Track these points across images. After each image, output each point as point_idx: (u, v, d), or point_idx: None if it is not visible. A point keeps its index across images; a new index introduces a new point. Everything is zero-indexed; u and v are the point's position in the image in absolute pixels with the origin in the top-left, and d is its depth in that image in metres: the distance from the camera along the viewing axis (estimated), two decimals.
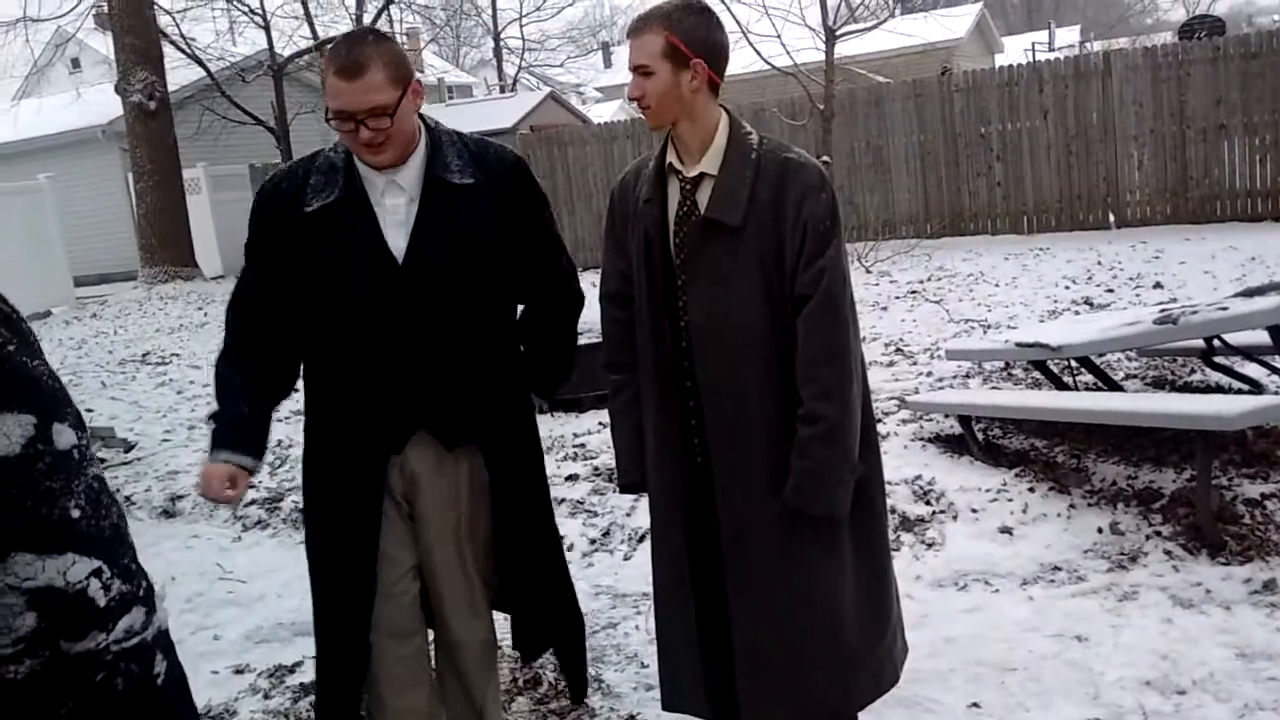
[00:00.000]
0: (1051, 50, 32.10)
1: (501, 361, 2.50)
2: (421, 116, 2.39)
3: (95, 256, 20.05)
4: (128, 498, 5.84)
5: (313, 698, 3.36)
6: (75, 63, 29.20)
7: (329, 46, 2.36)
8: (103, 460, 6.54)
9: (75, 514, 0.90)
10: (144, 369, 10.01)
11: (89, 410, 8.15)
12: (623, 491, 2.63)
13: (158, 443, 6.96)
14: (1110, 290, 8.35)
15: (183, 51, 17.99)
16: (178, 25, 18.43)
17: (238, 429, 2.40)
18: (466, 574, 2.53)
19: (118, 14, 16.32)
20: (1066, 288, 8.71)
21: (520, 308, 2.64)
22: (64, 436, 0.92)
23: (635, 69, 2.28)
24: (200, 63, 18.17)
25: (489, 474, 2.49)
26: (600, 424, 6.10)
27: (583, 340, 6.53)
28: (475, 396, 2.43)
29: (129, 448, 6.82)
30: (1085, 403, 4.61)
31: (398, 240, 2.33)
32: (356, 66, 2.19)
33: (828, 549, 2.37)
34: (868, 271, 10.44)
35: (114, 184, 20.69)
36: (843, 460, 2.29)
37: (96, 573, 0.90)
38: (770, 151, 2.33)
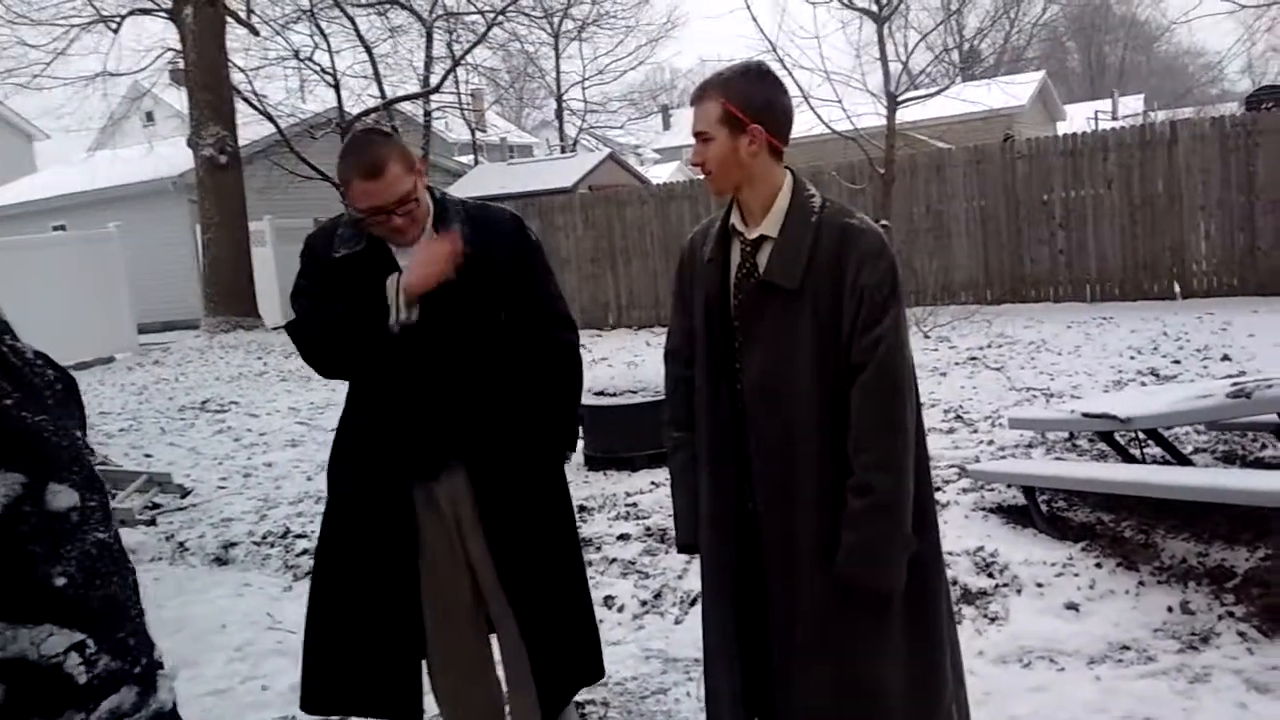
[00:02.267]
0: (1115, 119, 31.90)
1: (516, 400, 2.75)
2: (431, 193, 2.72)
3: (160, 304, 20.49)
4: (181, 544, 5.87)
5: None
6: (149, 116, 30.10)
7: (342, 151, 2.62)
8: (158, 505, 6.60)
9: (60, 582, 0.84)
10: (203, 416, 10.15)
11: (147, 455, 8.26)
12: (680, 551, 2.59)
13: (213, 489, 7.01)
14: (1177, 362, 8.17)
15: (254, 108, 18.48)
16: (250, 82, 18.97)
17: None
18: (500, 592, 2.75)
19: (193, 70, 16.84)
20: (1131, 358, 8.54)
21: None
22: (60, 498, 0.86)
23: (695, 135, 2.32)
24: (271, 119, 18.64)
25: (505, 500, 2.71)
26: (653, 483, 6.05)
27: (637, 399, 6.57)
28: (495, 430, 2.70)
29: (185, 493, 6.89)
30: (1155, 476, 4.47)
31: None
32: (378, 167, 2.51)
33: (877, 628, 2.28)
34: (926, 337, 10.33)
35: (182, 234, 21.21)
36: (895, 534, 2.22)
37: (78, 647, 0.84)
38: (832, 215, 2.31)
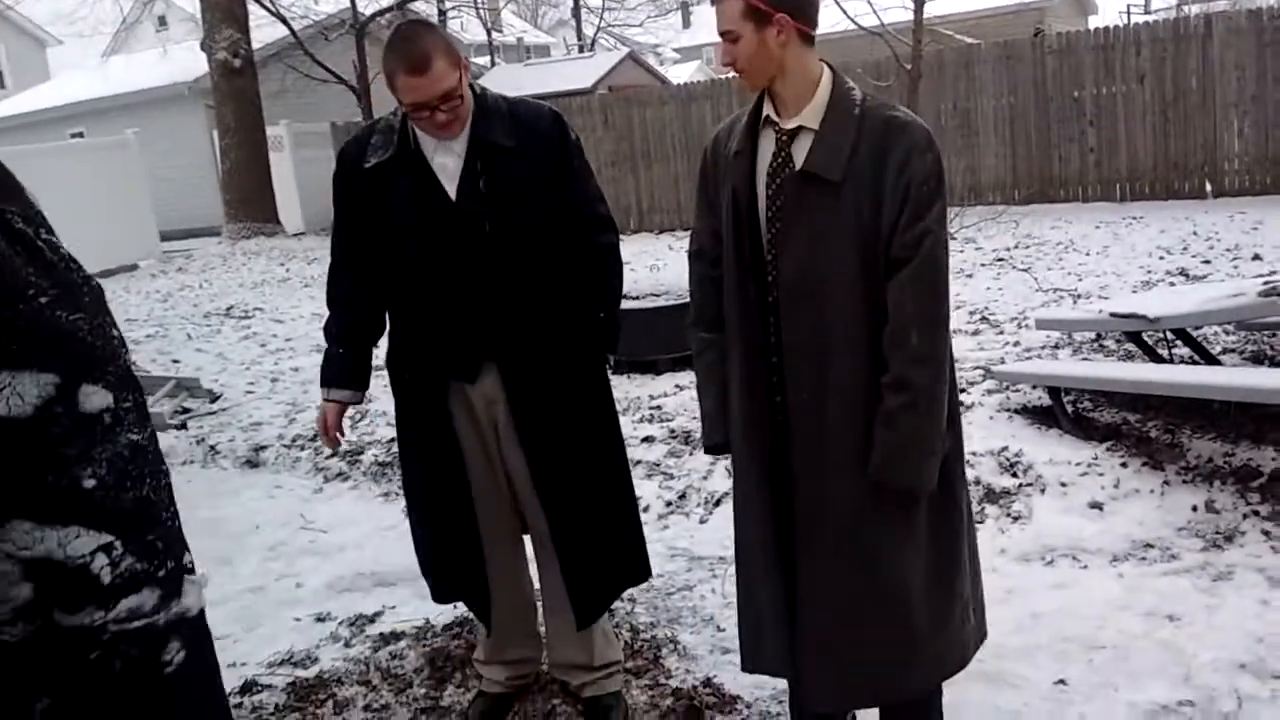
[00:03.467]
0: (1148, 13, 30.95)
1: (555, 303, 2.71)
2: (471, 88, 2.62)
3: (180, 212, 20.46)
4: (212, 447, 5.96)
5: (391, 647, 3.42)
6: (162, 20, 29.72)
7: (387, 44, 2.54)
8: (188, 410, 6.69)
9: (89, 484, 0.84)
10: (228, 322, 10.22)
11: (175, 361, 8.34)
12: (707, 452, 2.57)
13: (242, 394, 7.09)
14: (1207, 262, 8.06)
15: (267, 9, 18.15)
16: None
17: (333, 366, 2.83)
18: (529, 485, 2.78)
19: None
20: (1161, 258, 8.44)
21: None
22: (94, 399, 0.85)
23: (722, 35, 2.24)
24: (284, 21, 18.32)
25: (542, 404, 2.71)
26: (676, 386, 6.07)
27: (660, 303, 6.56)
28: (532, 331, 2.67)
29: (214, 398, 6.97)
30: (1183, 376, 4.45)
31: (450, 189, 2.61)
32: (424, 61, 2.44)
33: (903, 526, 2.29)
34: (952, 238, 10.17)
35: (199, 141, 21.08)
36: (933, 431, 2.20)
37: (106, 548, 0.84)
38: (874, 108, 2.25)
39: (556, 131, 2.71)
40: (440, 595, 2.98)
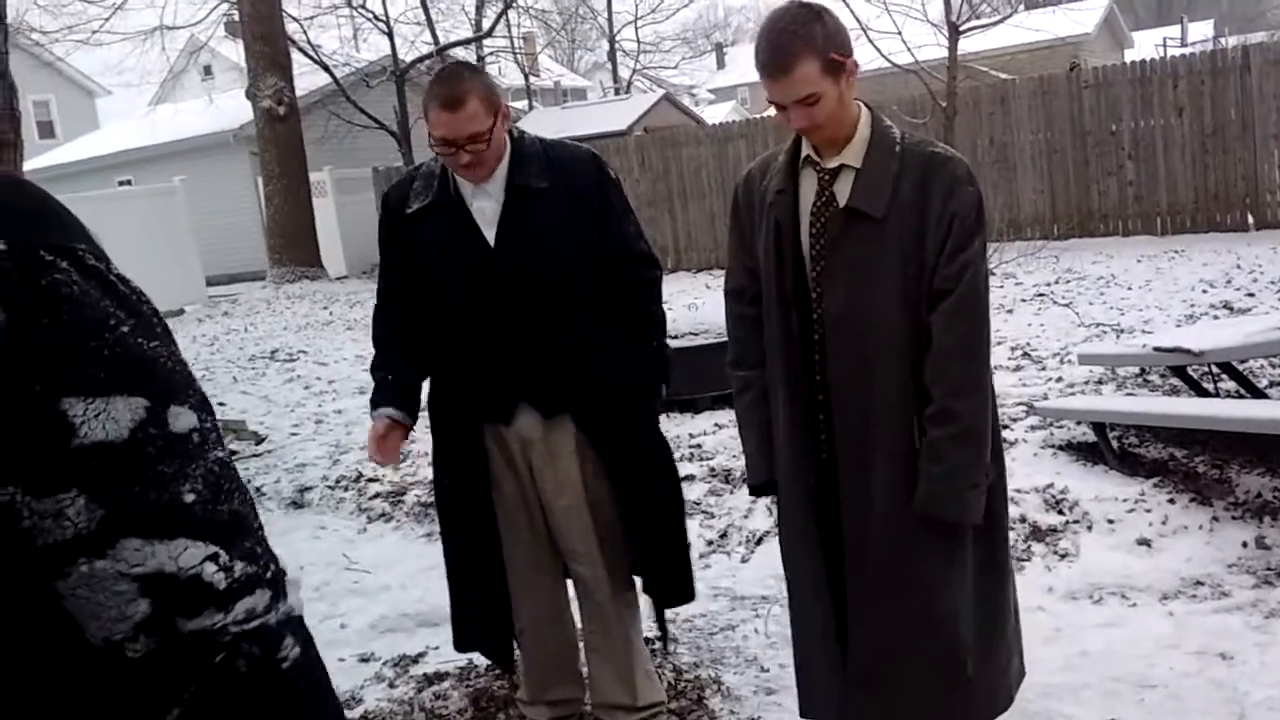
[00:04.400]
0: (1184, 45, 30.86)
1: (591, 340, 2.72)
2: (509, 133, 2.68)
3: (226, 257, 20.81)
4: (258, 489, 6.03)
5: (435, 688, 3.43)
6: (208, 70, 30.43)
7: (430, 81, 2.63)
8: (234, 452, 6.77)
9: (189, 498, 0.88)
10: (273, 365, 10.35)
11: (221, 404, 8.45)
12: (753, 494, 2.59)
13: (286, 436, 7.18)
14: (1250, 294, 7.97)
15: (310, 58, 18.57)
16: (305, 32, 19.07)
17: (381, 391, 2.81)
18: (580, 523, 2.80)
19: (248, 22, 16.94)
20: (1204, 291, 8.35)
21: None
22: (181, 420, 0.90)
23: (800, 102, 2.18)
24: (327, 69, 18.72)
25: (593, 443, 2.74)
26: (716, 425, 6.07)
27: (699, 341, 6.58)
28: (568, 371, 2.69)
29: (259, 440, 7.05)
30: (1230, 410, 4.40)
31: (489, 233, 2.65)
32: (457, 100, 2.50)
33: (950, 562, 2.29)
34: (992, 274, 10.12)
35: (244, 187, 21.46)
36: (978, 462, 2.21)
37: (212, 557, 0.88)
38: (914, 145, 2.28)
39: (594, 170, 2.75)
40: (460, 643, 3.01)
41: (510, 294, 2.64)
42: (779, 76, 2.17)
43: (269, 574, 0.94)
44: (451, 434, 2.80)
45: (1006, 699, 2.44)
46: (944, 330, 2.20)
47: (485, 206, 2.66)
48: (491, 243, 2.64)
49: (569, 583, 2.98)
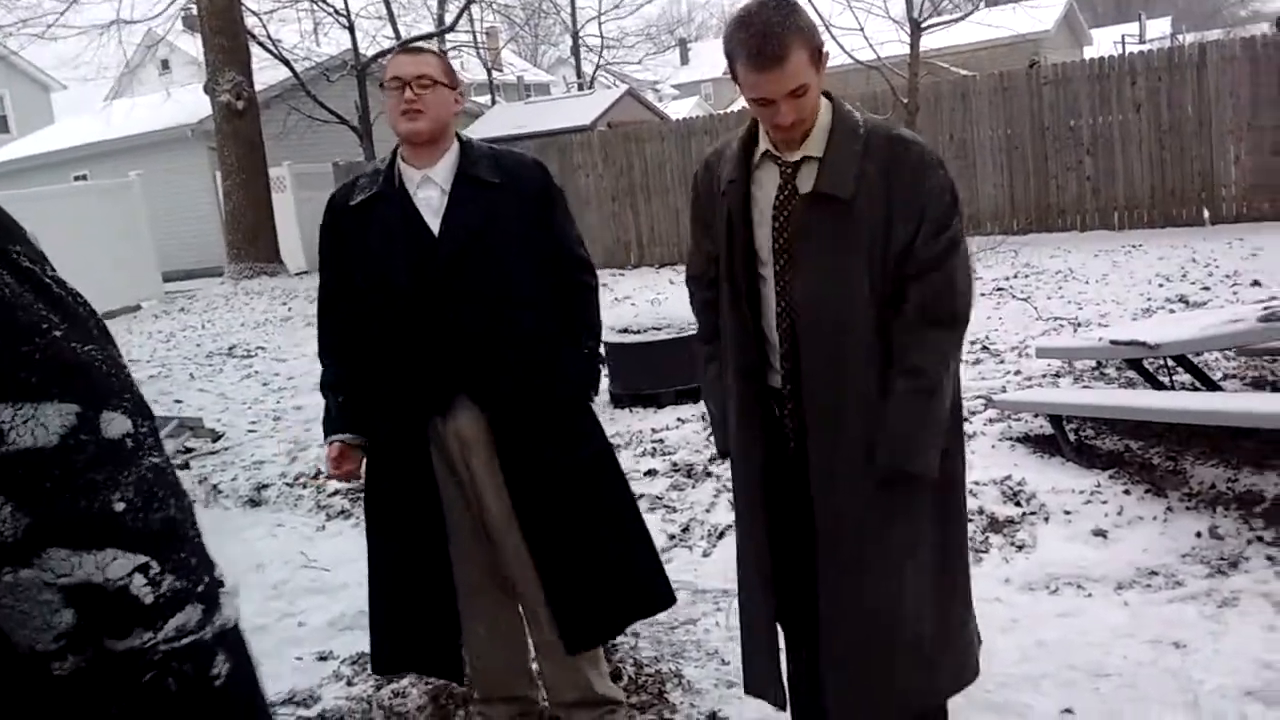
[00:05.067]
0: (1142, 42, 31.24)
1: (532, 337, 2.72)
2: (458, 135, 2.78)
3: (184, 253, 20.57)
4: (214, 486, 5.96)
5: (393, 685, 3.40)
6: (165, 64, 30.02)
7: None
8: (190, 450, 6.69)
9: (119, 507, 0.86)
10: (230, 362, 10.24)
11: (178, 401, 8.35)
12: (723, 459, 2.63)
13: (244, 433, 7.10)
14: (1206, 288, 8.08)
15: (270, 52, 18.37)
16: (264, 26, 18.84)
17: (334, 414, 2.82)
18: (513, 538, 2.73)
19: (206, 16, 16.73)
20: (1160, 285, 8.46)
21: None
22: (114, 425, 0.88)
23: (790, 94, 2.13)
24: (286, 63, 18.52)
25: (527, 442, 2.69)
26: (678, 419, 6.07)
27: (661, 336, 6.56)
28: (510, 364, 2.67)
29: (216, 438, 6.97)
30: (1184, 403, 4.45)
31: (433, 222, 2.66)
32: (419, 50, 2.80)
33: (916, 539, 2.32)
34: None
35: (202, 182, 21.22)
36: (937, 418, 2.24)
37: (142, 569, 0.86)
38: (877, 128, 2.27)
39: (540, 176, 2.80)
40: (391, 665, 2.91)
41: (453, 279, 2.63)
42: (771, 68, 2.09)
43: (201, 587, 0.92)
44: (392, 430, 2.75)
45: (974, 669, 2.49)
46: (925, 299, 2.21)
47: (430, 196, 2.68)
48: (435, 230, 2.65)
49: None
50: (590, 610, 2.78)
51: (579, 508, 2.75)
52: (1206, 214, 11.69)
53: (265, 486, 5.85)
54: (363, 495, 5.35)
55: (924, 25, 11.03)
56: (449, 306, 2.64)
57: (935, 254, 2.20)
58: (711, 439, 2.68)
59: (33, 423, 0.83)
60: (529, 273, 2.73)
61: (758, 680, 2.53)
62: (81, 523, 0.84)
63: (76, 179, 21.37)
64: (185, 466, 6.35)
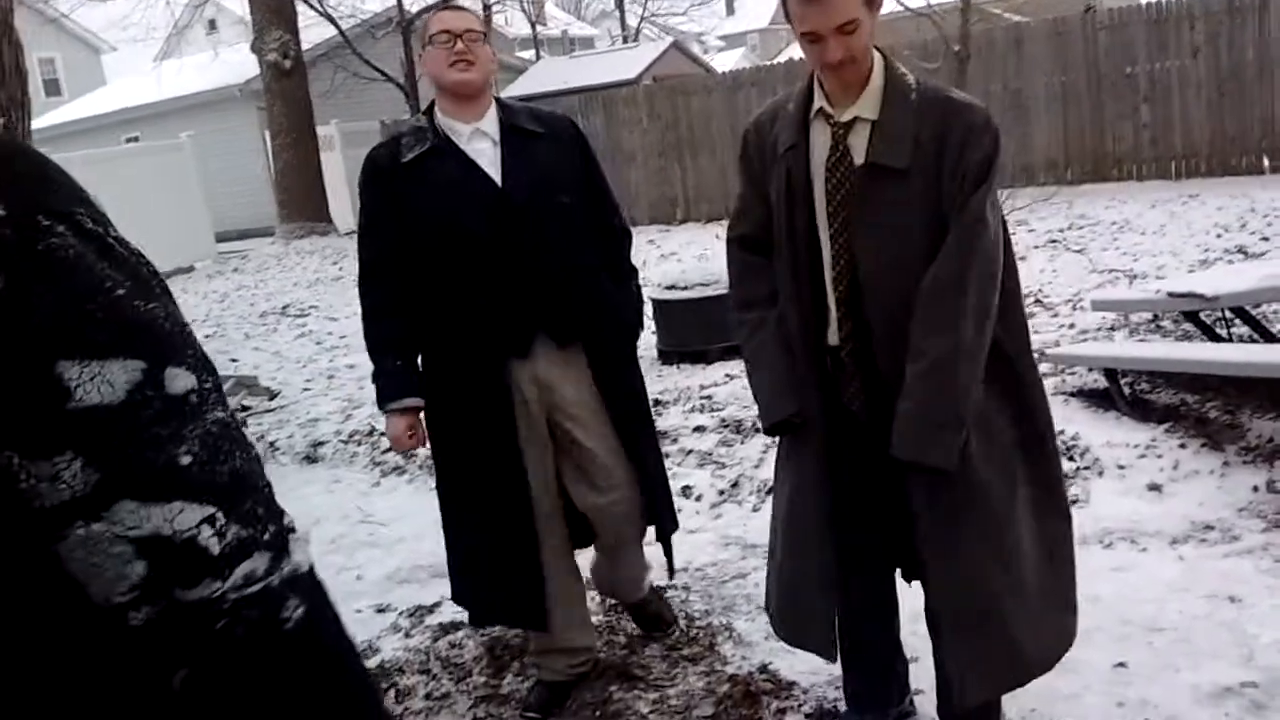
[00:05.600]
0: None
1: (596, 272, 2.89)
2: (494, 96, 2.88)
3: (234, 212, 20.79)
4: (272, 444, 6.08)
5: (450, 637, 3.47)
6: (212, 24, 30.17)
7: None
8: (247, 408, 6.82)
9: (185, 460, 0.88)
10: (284, 320, 10.38)
11: (233, 360, 8.50)
12: (768, 433, 2.53)
13: (299, 391, 7.22)
14: (1265, 239, 7.89)
15: (315, 10, 18.37)
16: None
17: (396, 379, 2.84)
18: (605, 448, 2.88)
19: None
20: (1218, 236, 8.28)
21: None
22: (178, 381, 0.90)
23: (839, 29, 2.09)
24: (332, 21, 18.53)
25: (596, 368, 2.87)
26: (726, 375, 6.07)
27: (709, 292, 6.56)
28: (582, 297, 2.83)
29: (272, 396, 7.10)
30: (1242, 355, 4.38)
31: (492, 172, 2.75)
32: (459, 5, 2.85)
33: (1010, 499, 2.28)
34: (1003, 221, 10.06)
35: (251, 142, 21.37)
36: (946, 402, 2.14)
37: (209, 520, 0.88)
38: (930, 91, 2.23)
39: (574, 130, 2.95)
40: (484, 616, 3.05)
41: (525, 226, 2.73)
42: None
43: (267, 535, 0.94)
44: (470, 381, 2.78)
45: (1074, 630, 2.45)
46: (935, 268, 2.17)
47: (483, 148, 2.76)
48: (498, 180, 2.73)
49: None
50: (669, 502, 3.11)
51: (648, 419, 3.06)
52: (1267, 162, 11.39)
53: (321, 443, 5.96)
54: (416, 451, 5.46)
55: None
56: (525, 252, 2.73)
57: (957, 219, 2.16)
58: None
59: (99, 379, 0.86)
60: (583, 214, 2.87)
61: (814, 639, 2.52)
62: (149, 476, 0.87)
63: (128, 141, 21.64)
64: (243, 425, 6.48)
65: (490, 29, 3.07)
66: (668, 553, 3.13)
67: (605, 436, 2.86)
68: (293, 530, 0.98)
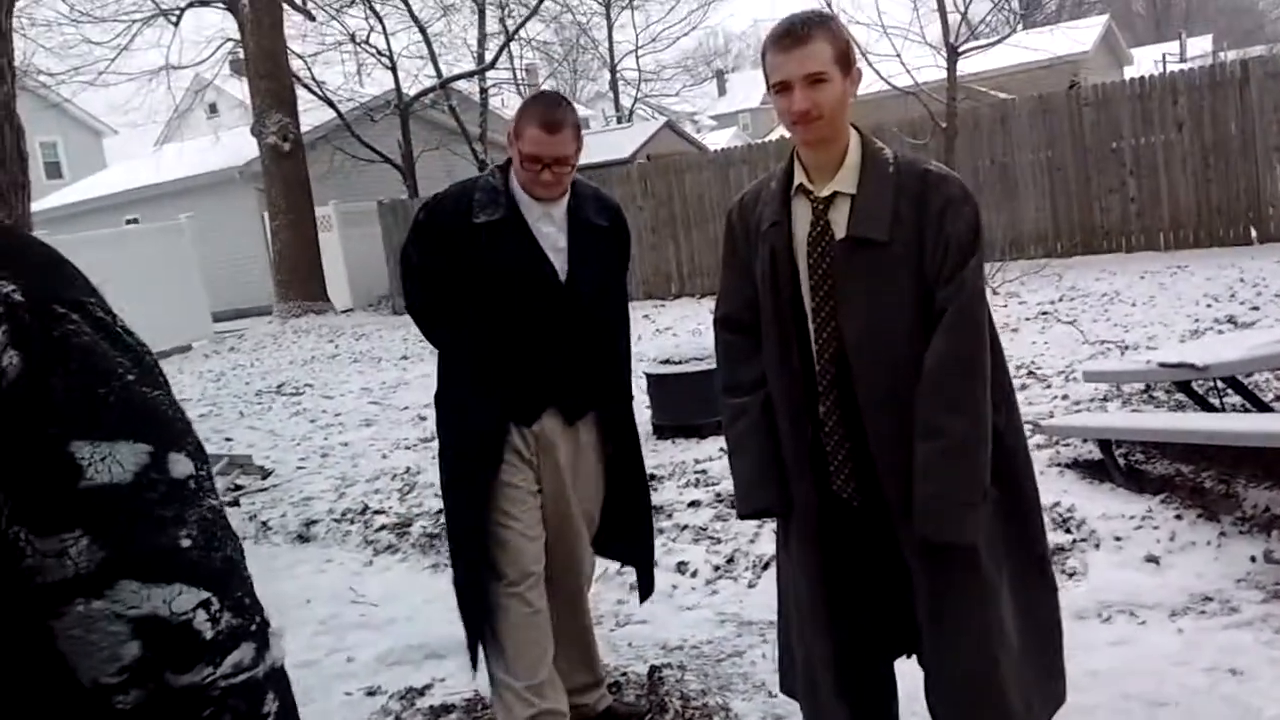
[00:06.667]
0: (1183, 61, 30.94)
1: (612, 356, 3.07)
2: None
3: (232, 292, 20.90)
4: (264, 523, 6.03)
5: None
6: (213, 108, 30.66)
7: (529, 100, 2.91)
8: (241, 487, 6.78)
9: (185, 543, 0.90)
10: (279, 399, 10.38)
11: (228, 439, 8.48)
12: (742, 518, 2.54)
13: (293, 469, 7.19)
14: (1255, 308, 7.95)
15: (315, 94, 18.73)
16: (309, 69, 19.23)
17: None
18: (585, 514, 3.09)
19: (253, 59, 17.11)
20: (1208, 306, 8.34)
21: None
22: (180, 466, 0.93)
23: (807, 77, 2.16)
24: (331, 104, 18.87)
25: (603, 438, 3.07)
26: (720, 449, 6.05)
27: (702, 366, 6.58)
28: (592, 382, 3.00)
29: (266, 474, 7.07)
30: (1235, 425, 4.39)
31: (559, 263, 2.87)
32: (558, 123, 2.76)
33: (998, 570, 2.29)
34: (994, 293, 10.15)
35: (250, 222, 21.58)
36: (969, 480, 2.17)
37: (204, 604, 0.90)
38: (908, 165, 2.27)
39: (624, 225, 3.12)
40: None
41: (574, 321, 2.89)
42: (793, 47, 2.16)
43: (254, 625, 0.95)
44: (479, 430, 2.91)
45: (1064, 693, 2.46)
46: (938, 346, 2.18)
47: (551, 233, 2.88)
48: (562, 274, 2.87)
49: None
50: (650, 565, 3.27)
51: (643, 487, 3.25)
52: (1254, 232, 11.52)
53: (314, 522, 5.92)
54: (409, 530, 5.41)
55: (961, 50, 11.01)
56: (563, 341, 2.90)
57: (949, 293, 2.18)
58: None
59: (110, 460, 0.88)
60: (622, 303, 3.13)
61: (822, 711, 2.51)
62: (152, 557, 0.89)
63: (128, 222, 21.83)
64: (235, 504, 6.44)
65: (579, 135, 2.90)
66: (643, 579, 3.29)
67: (595, 500, 3.09)
68: (269, 624, 0.99)
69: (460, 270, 2.85)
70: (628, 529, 3.18)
